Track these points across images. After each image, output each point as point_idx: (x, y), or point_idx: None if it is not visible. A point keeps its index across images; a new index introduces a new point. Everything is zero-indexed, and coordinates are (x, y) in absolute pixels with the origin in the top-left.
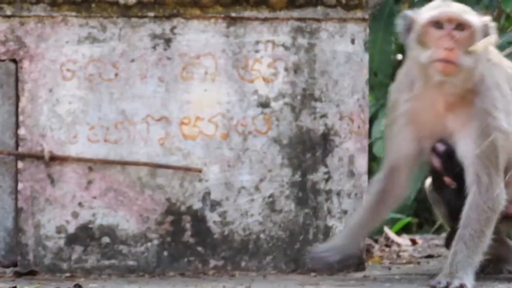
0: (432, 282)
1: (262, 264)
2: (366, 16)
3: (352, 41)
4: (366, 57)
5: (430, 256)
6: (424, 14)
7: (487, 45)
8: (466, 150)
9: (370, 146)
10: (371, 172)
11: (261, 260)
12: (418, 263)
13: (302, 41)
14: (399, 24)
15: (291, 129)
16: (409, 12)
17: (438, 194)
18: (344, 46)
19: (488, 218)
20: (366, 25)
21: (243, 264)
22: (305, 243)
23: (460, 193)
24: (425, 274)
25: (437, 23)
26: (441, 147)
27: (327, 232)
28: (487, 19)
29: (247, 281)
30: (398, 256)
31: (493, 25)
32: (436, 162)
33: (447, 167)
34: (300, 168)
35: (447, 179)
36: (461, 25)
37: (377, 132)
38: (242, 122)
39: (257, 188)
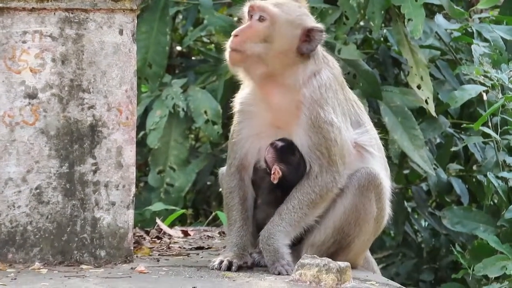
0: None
1: (29, 256)
2: (135, 7)
3: (120, 32)
4: (134, 48)
5: (200, 248)
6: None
7: None
8: (300, 141)
9: (145, 137)
10: (146, 164)
11: (28, 252)
12: (188, 255)
13: (70, 31)
14: None
15: (59, 120)
16: None
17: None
18: (112, 36)
19: (311, 200)
20: (135, 16)
21: (10, 256)
22: (72, 235)
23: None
24: (193, 266)
25: (248, 14)
26: (279, 143)
27: (94, 223)
28: (319, 26)
29: (14, 273)
30: (169, 248)
31: (323, 33)
32: (270, 155)
33: (282, 158)
34: (67, 160)
35: (276, 168)
36: (261, 15)
37: (152, 124)
38: (9, 113)
39: (24, 180)
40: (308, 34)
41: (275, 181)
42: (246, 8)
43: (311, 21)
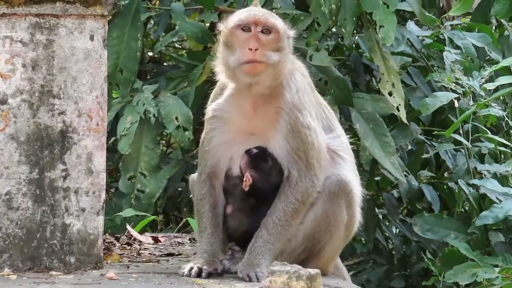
0: (238, 271)
1: None
2: (106, 13)
3: (91, 38)
4: (105, 53)
5: (170, 255)
6: (232, 18)
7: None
8: (278, 146)
9: (116, 143)
10: (117, 170)
11: None
12: (158, 261)
13: (41, 37)
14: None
15: (29, 126)
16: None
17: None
18: (83, 42)
19: (295, 209)
20: (106, 22)
21: None
22: (42, 241)
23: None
24: (163, 273)
25: (244, 27)
26: (254, 150)
27: (64, 230)
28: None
29: None
30: (139, 254)
31: (292, 34)
32: (243, 161)
33: (254, 165)
34: (37, 165)
35: (248, 175)
36: (267, 29)
37: (122, 130)
38: None
39: None
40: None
41: (246, 188)
42: (245, 21)
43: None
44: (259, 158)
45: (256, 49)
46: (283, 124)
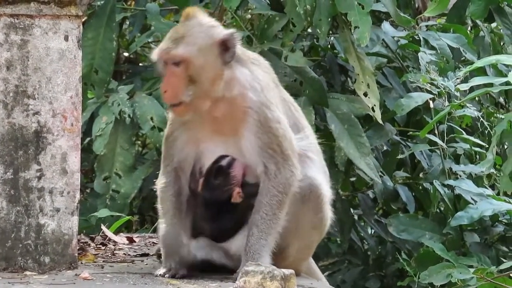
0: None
1: None
2: (80, 13)
3: (66, 38)
4: (79, 54)
5: (145, 255)
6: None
7: None
8: (249, 144)
9: (91, 143)
10: (93, 171)
11: None
12: (132, 261)
13: (15, 37)
14: None
15: (3, 126)
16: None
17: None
18: (57, 42)
19: (279, 201)
20: (80, 22)
21: None
22: (16, 241)
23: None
24: (137, 273)
25: (159, 63)
26: (222, 161)
27: (39, 230)
28: (229, 31)
29: None
30: (113, 254)
31: (237, 35)
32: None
33: (206, 174)
34: (12, 166)
35: (201, 181)
36: (176, 62)
37: (98, 130)
38: None
39: None
40: (223, 44)
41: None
42: (156, 58)
43: (219, 31)
44: (213, 172)
45: (165, 91)
46: (252, 122)
